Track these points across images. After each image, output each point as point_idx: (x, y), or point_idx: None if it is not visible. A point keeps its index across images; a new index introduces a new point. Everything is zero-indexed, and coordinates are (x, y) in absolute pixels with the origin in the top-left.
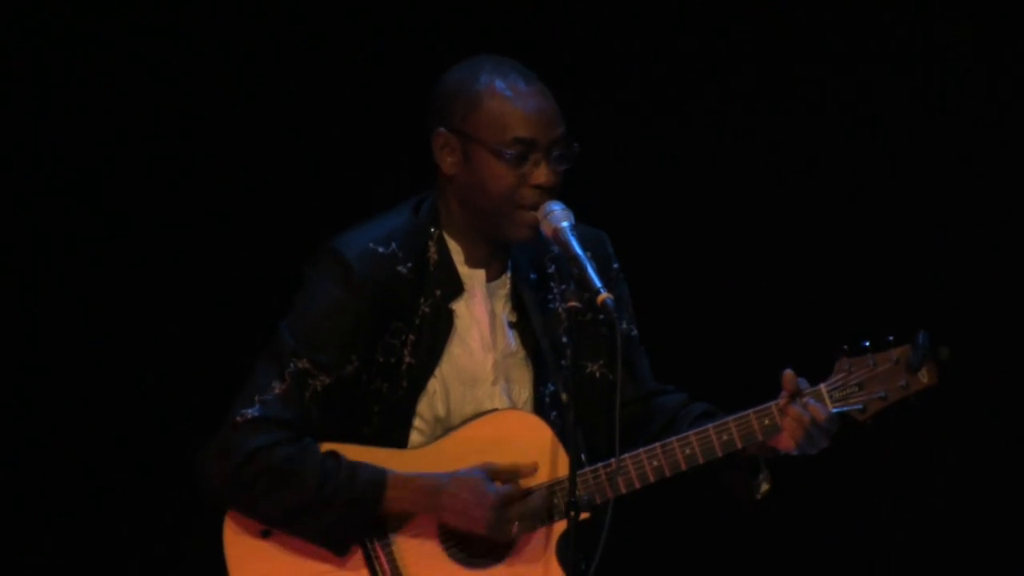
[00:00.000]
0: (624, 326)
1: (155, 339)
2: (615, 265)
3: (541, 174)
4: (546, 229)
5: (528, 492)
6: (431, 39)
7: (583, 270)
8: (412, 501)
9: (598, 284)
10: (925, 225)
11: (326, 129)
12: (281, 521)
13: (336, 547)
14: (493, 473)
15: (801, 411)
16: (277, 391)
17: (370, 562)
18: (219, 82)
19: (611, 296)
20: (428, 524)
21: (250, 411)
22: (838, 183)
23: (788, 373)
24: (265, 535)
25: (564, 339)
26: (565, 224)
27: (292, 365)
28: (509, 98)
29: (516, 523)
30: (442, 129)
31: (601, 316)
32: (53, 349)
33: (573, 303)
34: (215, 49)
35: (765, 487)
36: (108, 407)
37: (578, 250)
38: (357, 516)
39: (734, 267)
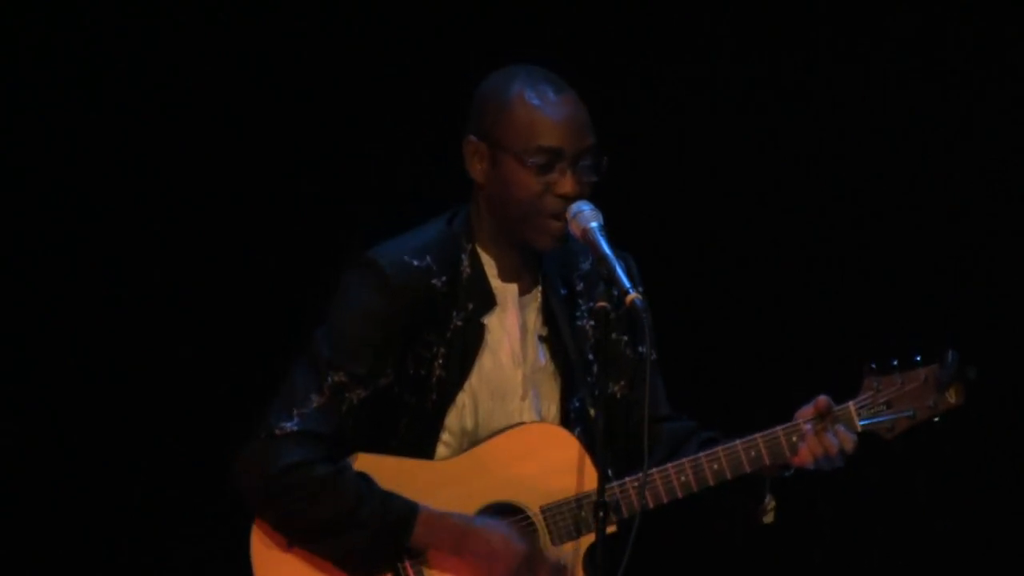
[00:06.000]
0: (642, 349)
1: (156, 340)
2: (640, 288)
3: (566, 183)
4: (575, 229)
5: (556, 559)
6: (449, 46)
7: (612, 270)
8: (439, 539)
9: (627, 284)
10: (953, 243)
11: (350, 134)
12: (307, 537)
13: (358, 571)
14: (525, 531)
15: (832, 439)
16: (315, 404)
17: None
18: (236, 85)
19: (639, 296)
20: None
21: (289, 424)
22: (865, 199)
23: (823, 400)
24: (291, 545)
25: (590, 356)
26: (594, 224)
27: (330, 378)
28: (537, 106)
29: None
30: (472, 137)
31: (625, 337)
32: (55, 349)
33: (602, 303)
34: (235, 53)
35: (772, 504)
36: (110, 406)
37: (607, 250)
38: (383, 545)
39: (757, 285)
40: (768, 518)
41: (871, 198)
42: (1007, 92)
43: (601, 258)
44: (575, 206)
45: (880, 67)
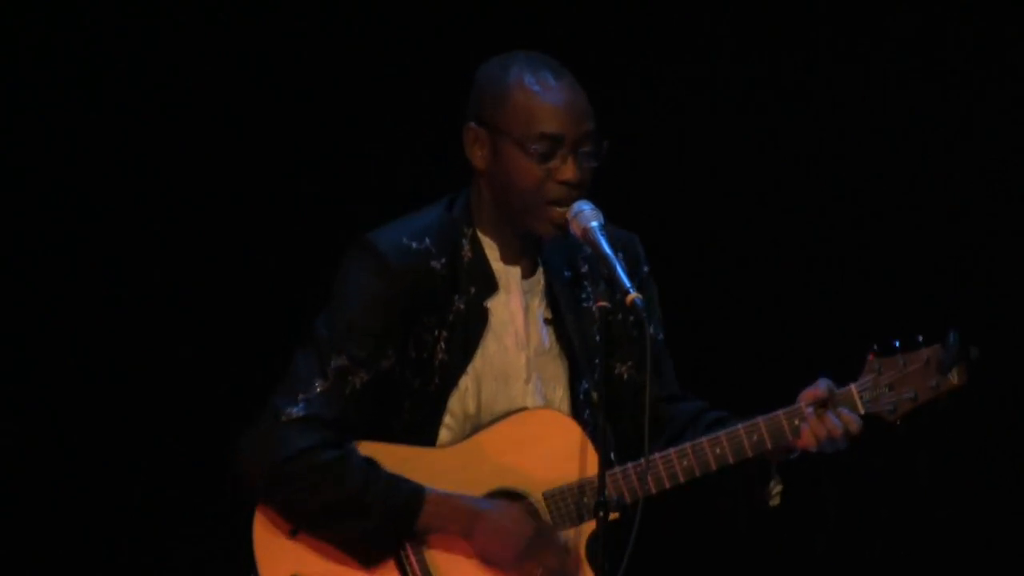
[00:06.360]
0: (651, 329)
1: (156, 340)
2: (645, 268)
3: (568, 170)
4: (575, 229)
5: (564, 539)
6: (448, 46)
7: (612, 270)
8: (447, 520)
9: (627, 284)
10: (954, 224)
11: (350, 134)
12: (315, 522)
13: (365, 557)
14: (532, 512)
15: (835, 421)
16: (319, 388)
17: (401, 565)
18: (236, 85)
19: (640, 296)
20: None
21: (294, 409)
22: (865, 183)
23: (824, 383)
24: (294, 534)
25: (597, 338)
26: (594, 224)
27: (332, 362)
28: (537, 92)
29: (542, 567)
30: (472, 123)
31: (632, 318)
32: (55, 349)
33: (602, 303)
34: (235, 53)
35: (779, 488)
36: (110, 406)
37: (607, 250)
38: (391, 529)
39: (756, 270)
40: (774, 501)
41: (873, 196)
42: (1007, 92)
43: (602, 258)
44: (576, 206)
45: (880, 67)
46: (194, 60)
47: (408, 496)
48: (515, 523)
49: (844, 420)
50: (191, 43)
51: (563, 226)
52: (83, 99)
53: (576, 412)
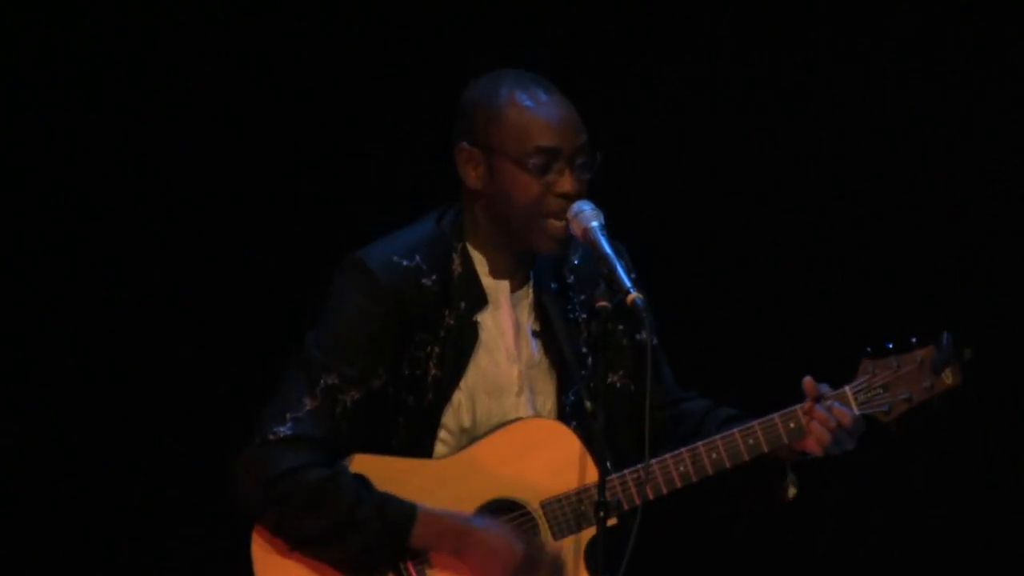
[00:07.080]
0: (639, 336)
1: (156, 340)
2: (633, 275)
3: (566, 183)
4: (575, 229)
5: (557, 555)
6: (448, 46)
7: (613, 270)
8: (438, 540)
9: (628, 284)
10: (947, 226)
11: (350, 134)
12: (306, 543)
13: (357, 574)
14: (527, 527)
15: (826, 414)
16: (308, 407)
17: None
18: (236, 85)
19: (640, 296)
20: None
21: (282, 429)
22: (859, 184)
23: (808, 381)
24: (291, 551)
25: (584, 349)
26: (595, 224)
27: (323, 381)
28: (530, 108)
29: None
30: (465, 144)
31: (621, 327)
32: (55, 349)
33: (602, 303)
34: (235, 53)
35: (793, 490)
36: (110, 406)
37: (608, 249)
38: (382, 548)
39: (753, 271)
40: (789, 494)
41: (871, 197)
42: (1007, 92)
43: (602, 257)
44: (576, 206)
45: (880, 67)
46: (194, 60)
47: (399, 515)
48: (505, 542)
49: (836, 414)
50: (191, 43)
51: (564, 240)
52: (83, 99)
53: (563, 423)
